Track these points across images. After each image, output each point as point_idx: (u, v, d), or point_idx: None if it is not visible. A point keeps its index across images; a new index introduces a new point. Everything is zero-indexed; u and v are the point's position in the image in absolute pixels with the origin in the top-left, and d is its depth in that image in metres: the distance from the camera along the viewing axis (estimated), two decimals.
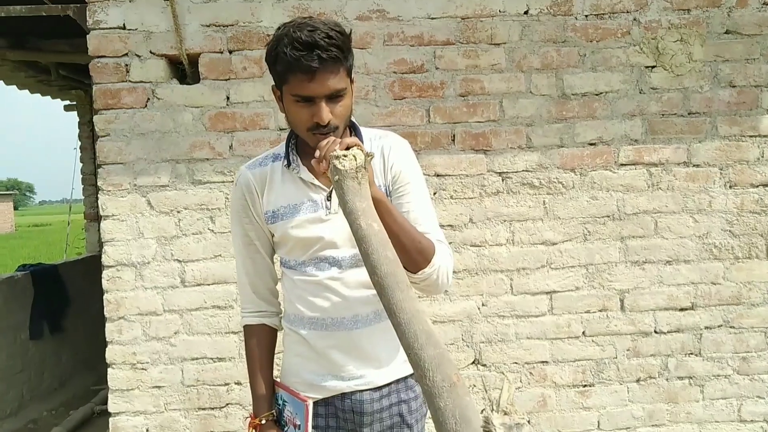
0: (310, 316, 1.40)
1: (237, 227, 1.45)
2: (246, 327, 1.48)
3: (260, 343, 1.46)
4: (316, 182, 1.37)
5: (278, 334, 1.51)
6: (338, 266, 1.37)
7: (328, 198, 1.36)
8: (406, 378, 1.43)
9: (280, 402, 1.44)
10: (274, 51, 1.25)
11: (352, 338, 1.38)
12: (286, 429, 1.42)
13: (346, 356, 1.38)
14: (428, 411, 1.44)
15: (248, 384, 2.58)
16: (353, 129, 1.43)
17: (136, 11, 2.50)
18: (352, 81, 1.33)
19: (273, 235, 1.43)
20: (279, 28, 1.27)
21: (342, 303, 1.37)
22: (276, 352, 1.50)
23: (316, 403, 1.39)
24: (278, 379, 1.49)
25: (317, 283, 1.38)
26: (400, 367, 1.41)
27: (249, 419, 1.44)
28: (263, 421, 1.41)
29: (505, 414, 1.39)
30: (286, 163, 1.39)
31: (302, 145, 1.40)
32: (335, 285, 1.37)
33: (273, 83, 1.34)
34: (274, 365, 1.49)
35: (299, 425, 1.38)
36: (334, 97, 1.26)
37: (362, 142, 1.38)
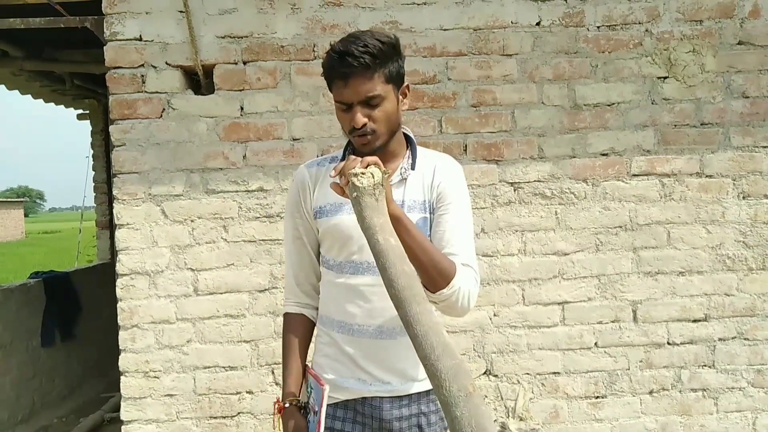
0: (339, 319, 1.44)
1: (289, 222, 1.53)
2: (286, 315, 1.54)
3: (296, 331, 1.51)
4: None
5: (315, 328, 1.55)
6: (372, 273, 1.39)
7: None
8: (428, 391, 1.44)
9: (309, 390, 1.47)
10: (324, 61, 1.38)
11: (376, 348, 1.41)
12: (308, 417, 1.44)
13: (371, 363, 1.42)
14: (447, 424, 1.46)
15: (260, 392, 2.60)
16: (409, 142, 1.48)
17: (153, 23, 2.53)
18: (400, 88, 1.39)
19: (318, 231, 1.48)
20: None
21: (369, 311, 1.41)
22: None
23: (336, 405, 1.43)
24: (309, 365, 1.52)
25: (349, 287, 1.42)
26: (423, 381, 1.42)
27: (276, 403, 1.48)
28: (287, 405, 1.45)
29: (521, 420, 1.40)
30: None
31: (358, 150, 1.45)
32: (366, 291, 1.41)
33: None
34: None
35: (317, 411, 1.39)
36: (369, 104, 1.33)
37: (415, 156, 1.44)
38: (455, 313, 1.38)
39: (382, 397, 1.41)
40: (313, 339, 1.56)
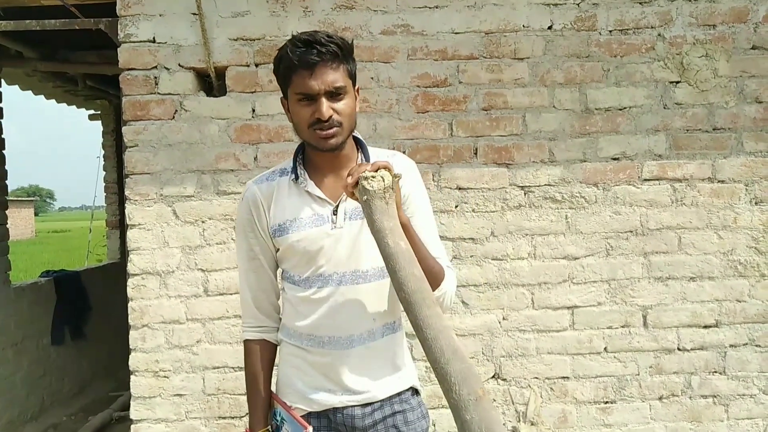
0: (308, 333, 1.41)
1: (242, 242, 1.47)
2: (246, 341, 1.50)
3: (260, 358, 1.47)
4: (323, 196, 1.39)
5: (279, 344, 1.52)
6: (339, 283, 1.38)
7: (334, 212, 1.38)
8: (400, 393, 1.44)
9: (278, 418, 1.45)
10: (279, 55, 1.34)
11: (346, 356, 1.39)
12: None
13: (340, 373, 1.39)
14: (429, 426, 1.46)
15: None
16: (359, 145, 1.46)
17: (166, 25, 2.55)
18: (356, 88, 1.38)
19: (278, 250, 1.44)
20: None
21: (339, 321, 1.39)
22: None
23: (309, 415, 1.41)
24: (275, 392, 1.50)
25: (319, 300, 1.39)
26: (393, 384, 1.43)
27: None
28: None
29: (532, 425, 1.40)
30: (293, 177, 1.41)
31: (310, 159, 1.43)
32: (334, 303, 1.38)
33: (281, 95, 1.40)
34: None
35: None
36: (335, 95, 1.31)
37: (368, 157, 1.43)
38: None
39: (354, 406, 1.39)
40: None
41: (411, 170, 1.46)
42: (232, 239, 2.59)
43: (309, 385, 1.41)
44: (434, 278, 1.33)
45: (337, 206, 1.38)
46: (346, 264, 1.38)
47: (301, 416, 1.41)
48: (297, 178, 1.41)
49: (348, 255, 1.37)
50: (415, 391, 1.47)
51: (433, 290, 1.32)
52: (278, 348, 1.51)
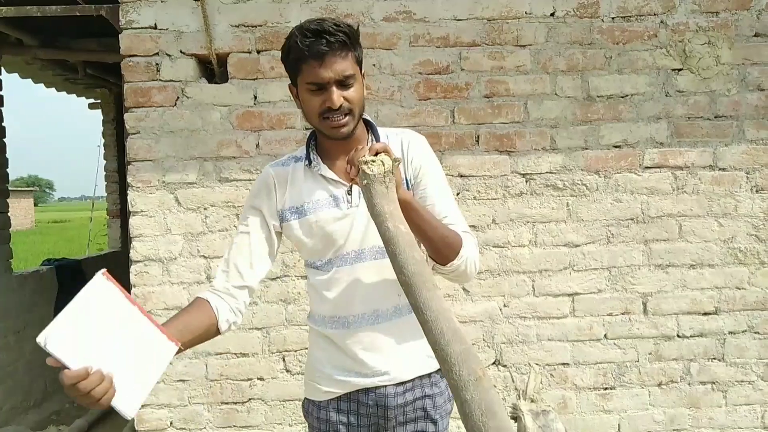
0: (331, 315, 1.43)
1: (245, 212, 1.47)
2: (196, 297, 1.39)
3: (191, 308, 1.34)
4: (336, 178, 1.41)
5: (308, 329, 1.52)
6: (360, 260, 1.40)
7: (349, 192, 1.41)
8: (430, 374, 1.45)
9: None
10: (287, 44, 1.34)
11: (374, 334, 1.40)
12: None
13: (369, 353, 1.40)
14: (453, 408, 1.47)
15: (271, 379, 2.62)
16: (368, 126, 1.47)
17: (168, 11, 2.55)
18: (363, 75, 1.39)
19: (280, 233, 1.46)
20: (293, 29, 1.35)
21: (362, 297, 1.40)
22: (299, 349, 1.50)
23: (338, 399, 1.42)
24: (306, 376, 1.51)
25: (340, 280, 1.41)
26: (423, 362, 1.43)
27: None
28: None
29: (532, 401, 1.41)
30: (307, 162, 1.44)
31: (322, 145, 1.45)
32: (356, 280, 1.40)
33: (290, 81, 1.41)
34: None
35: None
36: (345, 83, 1.32)
37: (378, 139, 1.44)
38: (464, 280, 1.42)
39: (386, 386, 1.41)
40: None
41: (422, 143, 1.47)
42: (234, 226, 2.60)
43: (339, 368, 1.42)
44: (451, 246, 1.34)
45: (351, 186, 1.40)
46: (365, 241, 1.39)
47: (331, 399, 1.43)
48: (310, 163, 1.44)
49: (365, 232, 1.39)
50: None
51: (453, 259, 1.34)
52: (307, 334, 1.52)
